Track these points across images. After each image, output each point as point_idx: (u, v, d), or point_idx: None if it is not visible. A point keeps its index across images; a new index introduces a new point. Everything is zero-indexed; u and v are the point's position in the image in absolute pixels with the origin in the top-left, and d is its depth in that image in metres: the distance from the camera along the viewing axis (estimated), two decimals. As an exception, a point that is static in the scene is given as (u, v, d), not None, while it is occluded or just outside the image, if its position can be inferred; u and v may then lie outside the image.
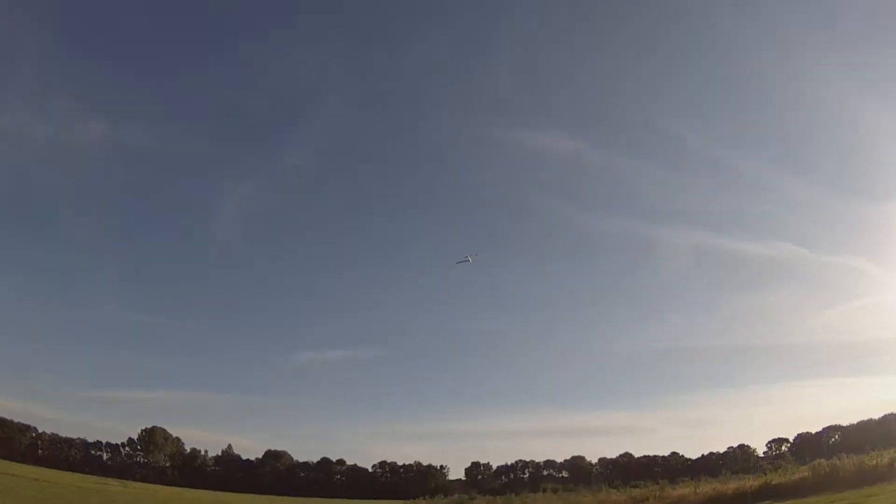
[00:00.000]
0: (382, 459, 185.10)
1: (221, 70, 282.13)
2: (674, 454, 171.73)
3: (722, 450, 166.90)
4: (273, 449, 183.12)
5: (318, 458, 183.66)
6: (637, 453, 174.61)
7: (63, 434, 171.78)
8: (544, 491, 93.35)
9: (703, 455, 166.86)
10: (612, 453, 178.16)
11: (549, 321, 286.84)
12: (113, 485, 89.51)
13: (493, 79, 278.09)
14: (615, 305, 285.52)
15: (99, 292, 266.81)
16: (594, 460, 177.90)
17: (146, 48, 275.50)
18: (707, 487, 59.71)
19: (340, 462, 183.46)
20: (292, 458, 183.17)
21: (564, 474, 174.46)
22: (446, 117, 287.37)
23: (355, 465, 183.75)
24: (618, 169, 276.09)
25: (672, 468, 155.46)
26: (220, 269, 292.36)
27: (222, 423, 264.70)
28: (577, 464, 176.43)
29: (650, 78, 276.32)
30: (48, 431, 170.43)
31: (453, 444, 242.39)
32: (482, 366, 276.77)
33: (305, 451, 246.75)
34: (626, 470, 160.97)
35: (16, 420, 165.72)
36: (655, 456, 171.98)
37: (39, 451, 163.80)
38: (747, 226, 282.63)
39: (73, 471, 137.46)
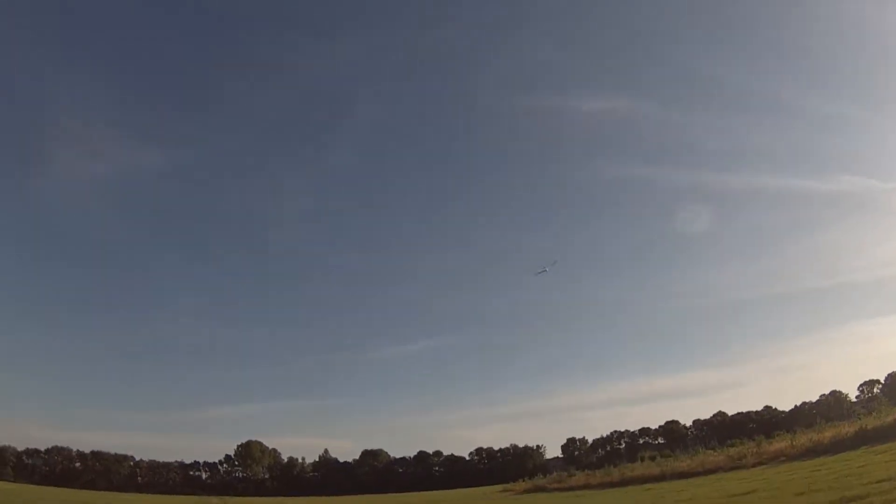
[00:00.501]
0: (479, 446, 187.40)
1: (260, 79, 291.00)
2: (767, 408, 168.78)
3: (814, 398, 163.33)
4: (369, 448, 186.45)
5: (415, 452, 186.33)
6: (730, 411, 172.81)
7: (160, 459, 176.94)
8: (642, 460, 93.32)
9: (795, 406, 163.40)
10: (706, 414, 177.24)
11: (624, 285, 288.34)
12: (214, 502, 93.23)
13: (537, 50, 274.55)
14: (689, 260, 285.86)
15: (175, 316, 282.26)
16: (689, 423, 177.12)
17: (181, 69, 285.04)
18: (803, 439, 58.81)
19: (437, 454, 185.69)
20: (389, 456, 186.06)
21: (660, 440, 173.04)
22: (493, 93, 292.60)
23: (452, 454, 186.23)
24: (676, 122, 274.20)
25: (766, 422, 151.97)
26: (289, 276, 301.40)
27: (317, 429, 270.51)
28: (671, 429, 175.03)
29: (697, 22, 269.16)
30: (145, 458, 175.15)
31: (548, 422, 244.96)
32: (568, 339, 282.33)
33: (402, 446, 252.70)
34: (721, 429, 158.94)
35: (112, 451, 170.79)
36: (749, 412, 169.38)
37: (139, 478, 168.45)
38: (812, 163, 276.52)
39: (175, 493, 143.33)
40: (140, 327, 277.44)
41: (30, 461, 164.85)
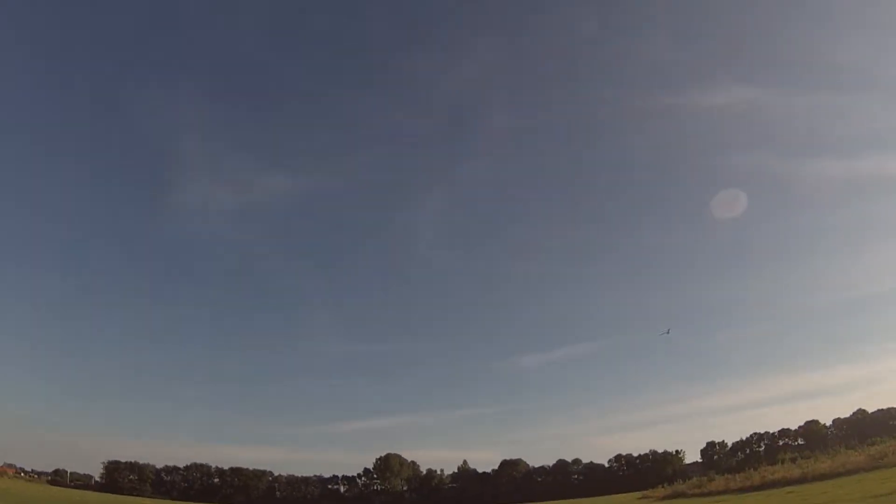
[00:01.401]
0: (618, 453, 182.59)
1: (390, 95, 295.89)
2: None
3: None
4: (508, 458, 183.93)
5: (554, 461, 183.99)
6: (870, 408, 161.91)
7: (299, 474, 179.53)
8: (782, 462, 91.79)
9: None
10: (846, 412, 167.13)
11: (757, 284, 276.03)
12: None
13: (653, 47, 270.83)
14: (819, 254, 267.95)
15: (312, 332, 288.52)
16: (828, 422, 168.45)
17: (305, 92, 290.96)
18: (946, 436, 58.07)
19: (576, 462, 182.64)
20: (528, 465, 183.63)
21: (800, 441, 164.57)
22: (616, 96, 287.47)
23: (591, 462, 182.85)
24: (799, 109, 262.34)
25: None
26: (426, 289, 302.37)
27: (457, 440, 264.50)
28: (811, 429, 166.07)
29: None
30: (284, 473, 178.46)
31: (687, 426, 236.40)
32: (703, 342, 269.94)
33: (541, 454, 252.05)
34: (862, 427, 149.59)
35: (251, 467, 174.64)
36: (889, 409, 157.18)
37: (277, 493, 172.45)
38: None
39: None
40: (277, 344, 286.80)
41: (168, 478, 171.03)
